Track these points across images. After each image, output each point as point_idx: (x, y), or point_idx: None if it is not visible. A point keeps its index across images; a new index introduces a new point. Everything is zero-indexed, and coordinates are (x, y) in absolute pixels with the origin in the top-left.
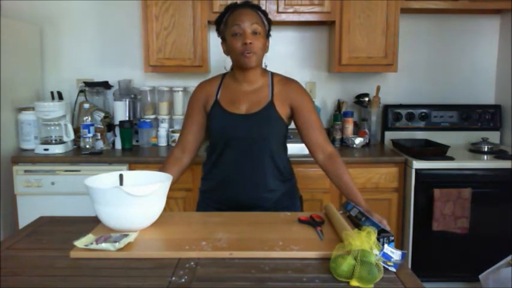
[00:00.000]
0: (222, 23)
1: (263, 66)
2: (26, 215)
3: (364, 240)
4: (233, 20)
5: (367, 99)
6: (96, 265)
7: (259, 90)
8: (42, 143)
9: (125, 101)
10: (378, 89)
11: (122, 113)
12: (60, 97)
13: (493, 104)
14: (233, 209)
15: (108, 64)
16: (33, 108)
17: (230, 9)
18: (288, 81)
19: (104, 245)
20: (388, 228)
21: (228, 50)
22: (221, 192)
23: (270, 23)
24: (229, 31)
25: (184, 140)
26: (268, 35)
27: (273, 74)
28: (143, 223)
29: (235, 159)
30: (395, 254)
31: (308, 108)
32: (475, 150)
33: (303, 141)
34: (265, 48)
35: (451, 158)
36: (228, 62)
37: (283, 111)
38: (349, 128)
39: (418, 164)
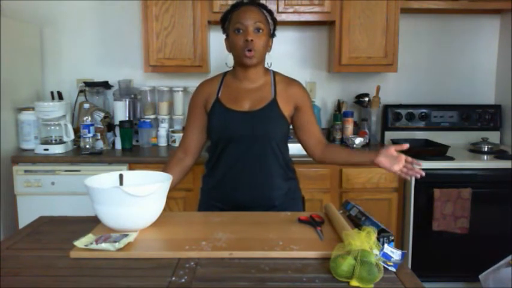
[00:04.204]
0: (227, 20)
1: (267, 65)
2: (26, 215)
3: (364, 240)
4: (237, 16)
5: (367, 99)
6: (96, 265)
7: (261, 88)
8: (42, 143)
9: (125, 101)
10: (378, 89)
11: (122, 113)
12: (60, 97)
13: (493, 104)
14: (235, 208)
15: (108, 64)
16: (33, 108)
17: (236, 6)
18: (290, 81)
19: (104, 245)
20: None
21: (230, 46)
22: (223, 191)
23: (275, 22)
24: (232, 27)
25: (187, 141)
26: (272, 35)
27: (274, 72)
28: (143, 223)
29: (238, 157)
30: (395, 254)
31: (309, 108)
32: (475, 150)
33: (300, 138)
34: (267, 47)
35: (451, 158)
36: (229, 59)
37: (286, 109)
38: (349, 128)
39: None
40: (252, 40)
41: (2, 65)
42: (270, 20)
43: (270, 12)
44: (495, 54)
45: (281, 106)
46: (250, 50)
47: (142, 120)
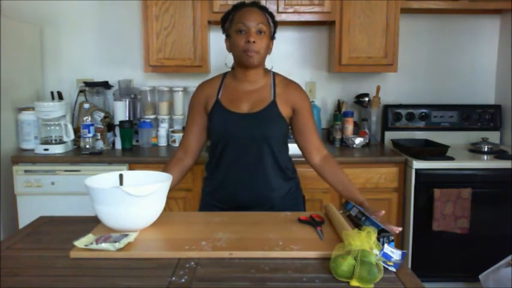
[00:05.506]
0: (228, 20)
1: (269, 68)
2: (26, 215)
3: (364, 240)
4: (239, 17)
5: (367, 99)
6: (96, 265)
7: (261, 90)
8: (42, 143)
9: (125, 101)
10: (378, 89)
11: (122, 113)
12: (60, 97)
13: (493, 104)
14: (236, 209)
15: (108, 64)
16: (33, 108)
17: (238, 7)
18: (289, 83)
19: (104, 245)
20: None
21: (231, 46)
22: (224, 192)
23: (276, 25)
24: (234, 28)
25: (187, 141)
26: (273, 37)
27: (274, 74)
28: (143, 223)
29: (237, 159)
30: (395, 254)
31: (308, 111)
32: (475, 150)
33: (298, 143)
34: (268, 49)
35: (451, 158)
36: (228, 59)
37: (285, 111)
38: (349, 128)
39: (418, 164)
40: (254, 41)
41: (2, 65)
42: (271, 23)
43: (271, 15)
44: (495, 54)
45: (280, 108)
46: (251, 51)
47: (142, 120)
